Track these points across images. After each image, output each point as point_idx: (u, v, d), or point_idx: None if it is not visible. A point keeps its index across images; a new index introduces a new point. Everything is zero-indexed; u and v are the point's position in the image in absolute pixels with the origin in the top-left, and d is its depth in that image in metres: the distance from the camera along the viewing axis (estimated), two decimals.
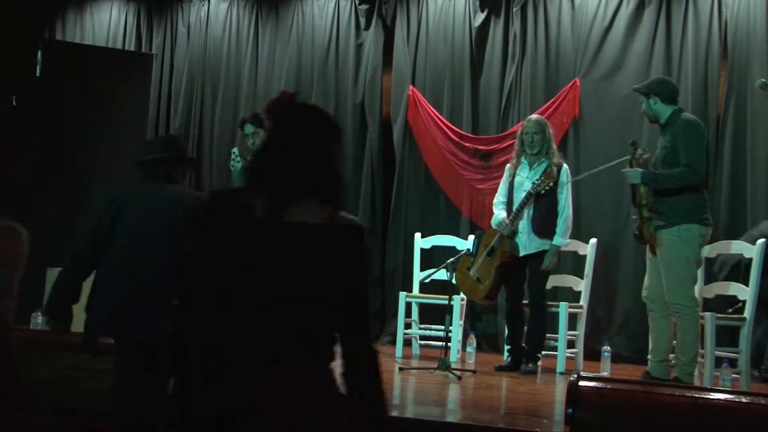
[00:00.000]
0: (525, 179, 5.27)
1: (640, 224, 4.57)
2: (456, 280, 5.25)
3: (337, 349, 1.77)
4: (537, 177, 5.17)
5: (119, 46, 8.00)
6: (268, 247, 1.71)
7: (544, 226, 5.20)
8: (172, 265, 2.35)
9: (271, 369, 1.66)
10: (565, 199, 5.25)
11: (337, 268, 1.74)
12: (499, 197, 5.45)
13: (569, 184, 5.30)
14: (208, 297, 1.71)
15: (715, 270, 5.39)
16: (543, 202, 5.19)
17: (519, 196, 5.23)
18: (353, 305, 1.77)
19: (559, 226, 5.22)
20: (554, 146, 5.36)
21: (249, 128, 5.53)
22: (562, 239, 5.23)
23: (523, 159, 5.34)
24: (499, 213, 5.34)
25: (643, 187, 4.52)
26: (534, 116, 5.53)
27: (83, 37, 8.16)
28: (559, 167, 5.27)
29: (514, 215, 5.20)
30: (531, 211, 5.20)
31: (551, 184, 5.15)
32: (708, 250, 5.18)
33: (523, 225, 5.21)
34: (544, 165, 5.22)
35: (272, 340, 1.68)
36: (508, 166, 5.51)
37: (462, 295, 5.58)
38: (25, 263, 3.09)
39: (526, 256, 5.22)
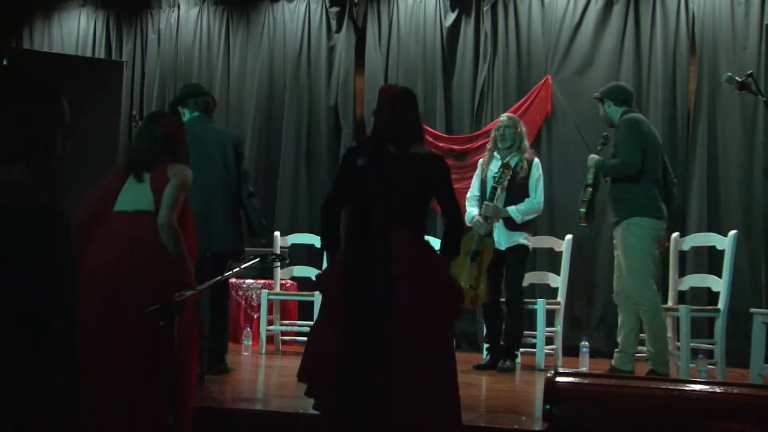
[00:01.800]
0: (494, 170, 5.27)
1: (582, 203, 4.95)
2: None
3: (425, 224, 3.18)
4: (495, 171, 5.18)
5: (89, 54, 7.92)
6: (397, 166, 3.02)
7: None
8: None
9: (393, 231, 2.92)
10: (536, 190, 5.26)
11: (435, 175, 3.10)
12: (473, 191, 5.44)
13: (541, 178, 5.33)
14: (358, 195, 2.99)
15: None
16: (515, 197, 5.21)
17: (489, 192, 5.23)
18: (445, 195, 3.14)
19: (525, 203, 5.21)
20: (526, 142, 5.38)
21: (186, 114, 4.89)
22: (518, 213, 5.18)
23: (495, 154, 5.36)
24: (472, 210, 5.34)
25: (592, 173, 4.94)
26: (507, 113, 5.58)
27: (51, 45, 8.07)
28: (530, 161, 5.30)
29: (483, 209, 5.19)
30: (503, 206, 5.21)
31: (509, 175, 5.16)
32: (683, 243, 5.24)
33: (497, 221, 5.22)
34: (515, 160, 5.24)
35: (392, 216, 2.93)
36: (480, 161, 5.52)
37: None
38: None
39: (501, 253, 5.23)
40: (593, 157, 4.94)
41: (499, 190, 5.16)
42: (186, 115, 4.80)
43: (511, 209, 5.19)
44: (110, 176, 3.46)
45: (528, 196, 5.24)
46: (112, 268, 3.16)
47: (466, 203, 5.41)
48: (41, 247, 1.86)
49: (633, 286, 4.61)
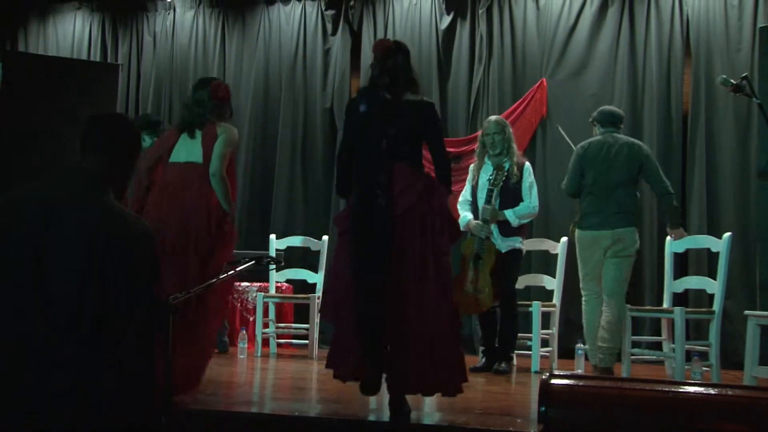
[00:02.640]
0: (486, 176, 5.26)
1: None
2: None
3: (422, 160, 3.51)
4: (490, 174, 5.20)
5: (84, 56, 7.92)
6: (393, 110, 3.39)
7: (512, 226, 5.22)
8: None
9: (393, 165, 3.34)
10: (530, 194, 5.26)
11: (425, 120, 3.45)
12: (465, 195, 5.44)
13: (534, 182, 5.34)
14: (360, 138, 3.40)
15: None
16: (508, 201, 5.21)
17: (483, 197, 5.23)
18: (433, 139, 3.49)
19: (521, 206, 5.23)
20: (514, 146, 5.37)
21: (147, 140, 5.19)
22: (514, 216, 5.20)
23: (486, 159, 5.36)
24: (466, 214, 5.34)
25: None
26: (493, 117, 5.54)
27: (47, 48, 8.07)
28: (521, 166, 5.30)
29: (482, 211, 5.19)
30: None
31: (504, 176, 5.16)
32: (678, 245, 5.26)
33: (493, 227, 5.22)
34: (506, 165, 5.24)
35: (393, 153, 3.34)
36: (471, 166, 5.51)
37: None
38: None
39: (499, 256, 5.22)
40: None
41: (495, 192, 5.16)
42: (147, 141, 5.14)
43: (508, 212, 5.20)
44: (166, 135, 4.12)
45: (521, 200, 5.24)
46: (168, 207, 3.85)
47: (459, 207, 5.40)
48: (143, 268, 2.20)
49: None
